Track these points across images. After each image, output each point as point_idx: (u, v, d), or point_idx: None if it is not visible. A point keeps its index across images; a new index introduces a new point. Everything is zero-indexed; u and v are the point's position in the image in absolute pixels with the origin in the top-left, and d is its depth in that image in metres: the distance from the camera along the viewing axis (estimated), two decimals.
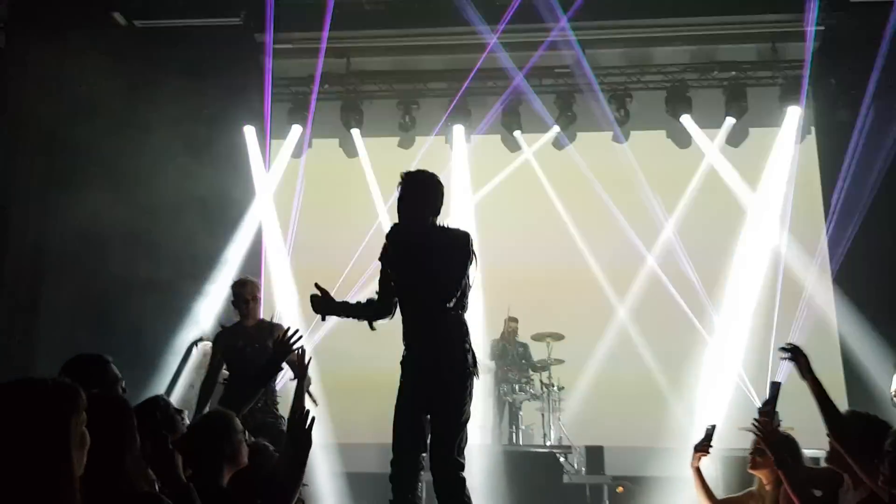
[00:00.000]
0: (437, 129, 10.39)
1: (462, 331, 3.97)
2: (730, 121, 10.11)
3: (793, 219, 9.73)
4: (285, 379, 5.26)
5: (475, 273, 3.99)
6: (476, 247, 4.01)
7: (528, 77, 10.19)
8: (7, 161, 6.39)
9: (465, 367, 3.92)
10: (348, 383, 6.63)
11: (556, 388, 9.14)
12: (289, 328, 3.70)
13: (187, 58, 8.93)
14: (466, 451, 8.40)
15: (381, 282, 4.12)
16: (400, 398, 3.96)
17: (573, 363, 9.53)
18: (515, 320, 9.72)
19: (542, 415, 9.06)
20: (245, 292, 5.21)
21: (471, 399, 3.93)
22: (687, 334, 9.40)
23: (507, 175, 10.46)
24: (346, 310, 4.09)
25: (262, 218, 10.20)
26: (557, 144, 10.50)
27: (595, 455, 8.23)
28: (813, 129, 10.16)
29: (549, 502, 7.61)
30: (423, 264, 3.92)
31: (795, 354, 3.49)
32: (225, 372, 5.35)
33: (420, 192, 4.02)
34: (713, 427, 4.00)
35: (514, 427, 9.16)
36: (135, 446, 2.37)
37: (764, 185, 9.92)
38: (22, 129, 6.62)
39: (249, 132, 10.26)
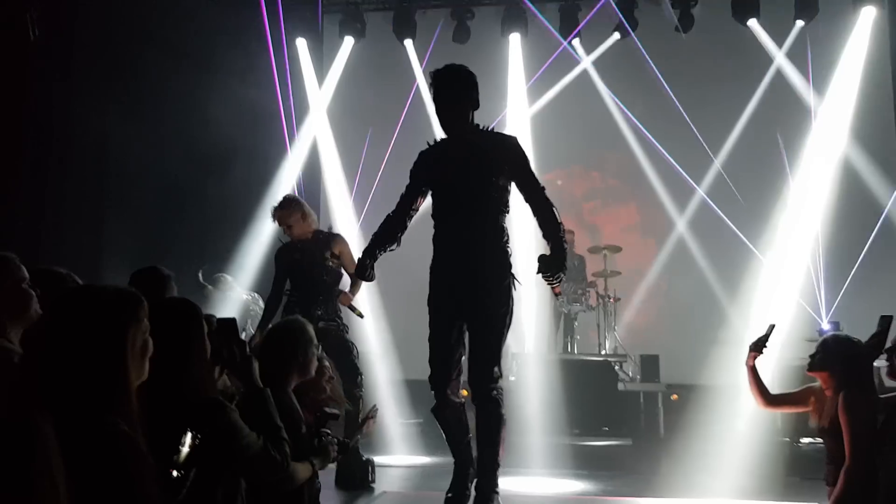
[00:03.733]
0: (492, 40, 10.15)
1: (502, 235, 3.79)
2: (799, 24, 9.63)
3: (863, 126, 9.36)
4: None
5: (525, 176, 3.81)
6: (529, 154, 3.88)
7: None
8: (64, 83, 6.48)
9: (504, 272, 3.75)
10: (403, 290, 6.70)
11: (611, 300, 9.16)
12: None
13: None
14: (523, 361, 8.51)
15: (406, 196, 4.01)
16: (433, 306, 3.82)
17: (629, 275, 9.52)
18: (571, 232, 9.68)
19: (598, 325, 9.12)
20: (280, 220, 5.16)
21: (512, 306, 3.73)
22: (746, 245, 9.25)
23: (565, 85, 10.22)
24: (374, 254, 4.01)
25: (317, 133, 10.25)
26: (617, 51, 10.17)
27: (650, 364, 8.30)
28: (888, 31, 9.63)
29: (604, 409, 7.73)
30: (465, 166, 3.75)
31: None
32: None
33: (455, 86, 3.80)
34: (772, 327, 3.88)
35: (569, 337, 9.25)
36: (203, 352, 2.38)
37: (833, 90, 9.52)
38: (76, 42, 6.68)
39: (301, 45, 10.21)
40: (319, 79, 10.41)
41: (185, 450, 2.07)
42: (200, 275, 7.27)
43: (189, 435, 2.08)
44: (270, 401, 2.53)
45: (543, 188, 3.81)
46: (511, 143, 3.86)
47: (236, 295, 7.47)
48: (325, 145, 10.28)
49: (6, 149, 5.98)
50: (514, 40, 10.20)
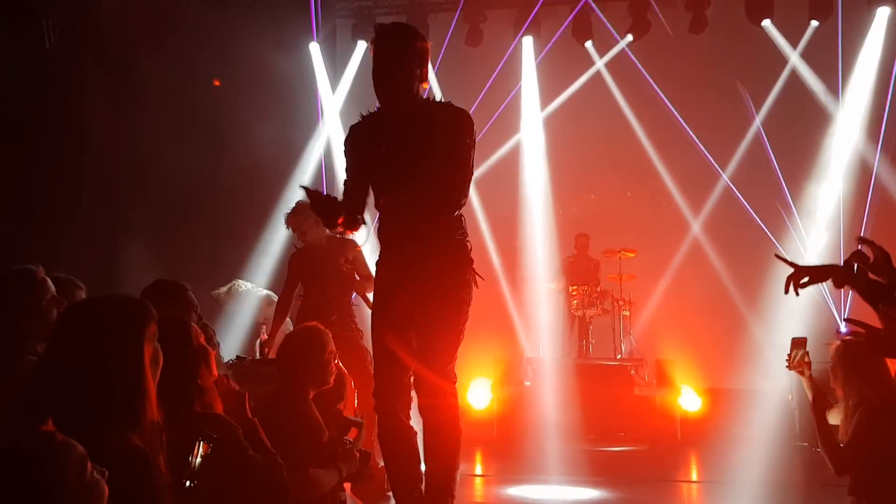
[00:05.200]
0: (505, 43, 10.12)
1: (460, 228, 3.19)
2: (814, 24, 9.54)
3: (880, 126, 9.23)
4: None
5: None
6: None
7: None
8: (76, 82, 6.51)
9: (463, 272, 3.16)
10: None
11: (627, 303, 9.10)
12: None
13: None
14: (537, 365, 8.40)
15: (349, 184, 3.35)
16: (379, 308, 3.25)
17: (645, 278, 9.45)
18: (586, 236, 9.65)
19: (613, 329, 9.06)
20: (294, 226, 5.15)
21: (468, 310, 3.16)
22: (763, 247, 9.15)
23: (578, 88, 10.18)
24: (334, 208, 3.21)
25: (331, 137, 10.24)
26: (630, 55, 10.11)
27: (666, 368, 8.22)
28: None
29: (620, 414, 7.65)
30: (417, 148, 3.10)
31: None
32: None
33: (402, 51, 3.10)
34: (795, 340, 3.48)
35: (584, 341, 9.19)
36: (204, 373, 2.37)
37: (850, 91, 9.41)
38: (91, 43, 6.71)
39: (315, 50, 10.22)
40: (333, 83, 10.41)
41: (198, 460, 2.06)
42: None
43: (201, 446, 2.06)
44: (260, 430, 2.53)
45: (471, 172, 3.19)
46: (463, 116, 3.18)
47: (254, 294, 7.37)
48: (339, 150, 10.24)
49: (20, 157, 6.00)
50: (527, 43, 10.18)
